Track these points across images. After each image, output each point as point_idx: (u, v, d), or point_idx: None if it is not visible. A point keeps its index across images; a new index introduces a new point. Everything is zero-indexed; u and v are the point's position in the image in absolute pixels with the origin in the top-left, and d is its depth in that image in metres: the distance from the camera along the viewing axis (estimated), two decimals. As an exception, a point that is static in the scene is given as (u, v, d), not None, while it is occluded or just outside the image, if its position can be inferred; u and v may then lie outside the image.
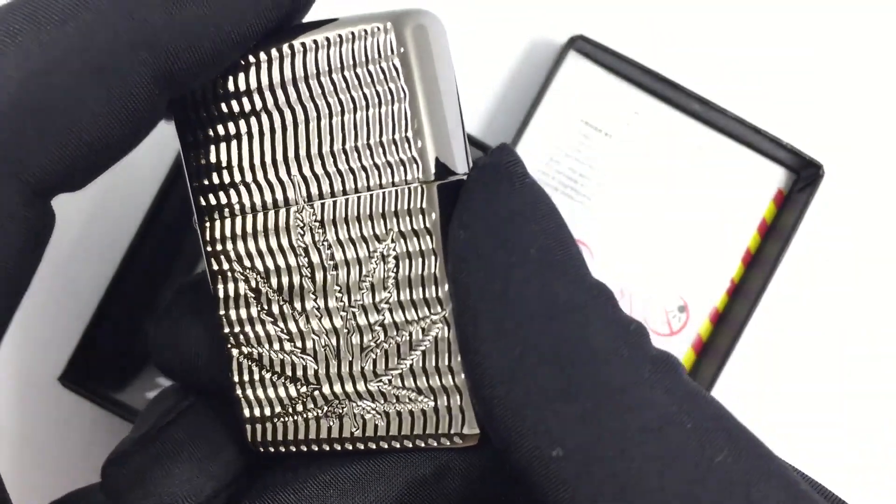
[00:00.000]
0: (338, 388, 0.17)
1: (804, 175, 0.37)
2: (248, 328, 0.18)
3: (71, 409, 0.38)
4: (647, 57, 0.36)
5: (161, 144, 0.37)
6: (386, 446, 0.17)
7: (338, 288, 0.17)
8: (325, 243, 0.17)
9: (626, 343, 0.14)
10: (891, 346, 0.40)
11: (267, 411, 0.18)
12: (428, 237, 0.16)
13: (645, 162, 0.37)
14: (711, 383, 0.34)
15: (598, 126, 0.37)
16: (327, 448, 0.18)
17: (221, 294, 0.18)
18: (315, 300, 0.17)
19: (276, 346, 0.18)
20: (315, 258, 0.17)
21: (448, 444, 0.16)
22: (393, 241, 0.16)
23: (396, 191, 0.16)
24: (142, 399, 0.36)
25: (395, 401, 0.17)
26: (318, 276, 0.17)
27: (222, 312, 0.18)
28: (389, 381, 0.17)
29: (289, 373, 0.18)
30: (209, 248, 0.18)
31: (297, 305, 0.17)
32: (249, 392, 0.18)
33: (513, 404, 0.14)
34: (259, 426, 0.18)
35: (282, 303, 0.17)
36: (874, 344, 0.40)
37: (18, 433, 0.39)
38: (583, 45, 0.37)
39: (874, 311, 0.40)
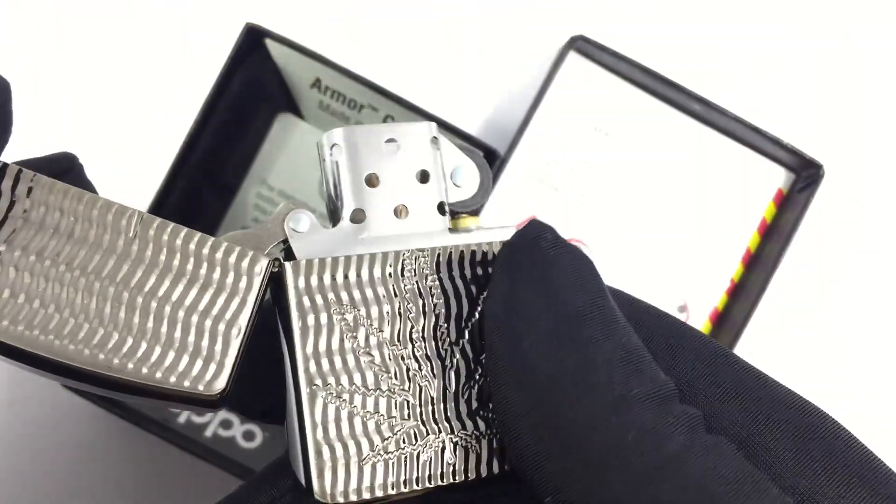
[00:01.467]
0: (436, 428, 0.18)
1: (804, 175, 0.37)
2: (336, 364, 0.17)
3: (71, 410, 0.38)
4: (647, 57, 0.36)
5: (161, 146, 0.37)
6: (473, 477, 0.18)
7: (446, 326, 0.18)
8: (434, 284, 0.18)
9: (615, 411, 0.15)
10: (891, 346, 0.40)
11: (350, 454, 0.17)
12: None
13: (645, 162, 0.37)
14: (711, 383, 0.34)
15: (598, 126, 0.37)
16: (408, 489, 0.17)
17: (304, 327, 0.17)
18: (421, 340, 0.18)
19: (371, 381, 0.18)
20: (421, 300, 0.18)
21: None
22: None
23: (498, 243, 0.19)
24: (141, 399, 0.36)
25: (495, 431, 0.18)
26: (425, 317, 0.18)
27: (310, 353, 0.17)
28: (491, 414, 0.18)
29: (383, 410, 0.17)
30: (299, 294, 0.17)
31: (402, 346, 0.18)
32: (329, 434, 0.17)
33: (517, 456, 0.16)
34: (333, 474, 0.17)
35: (385, 342, 0.18)
36: (875, 344, 0.40)
37: (18, 433, 0.39)
38: (583, 45, 0.37)
39: (874, 310, 0.40)
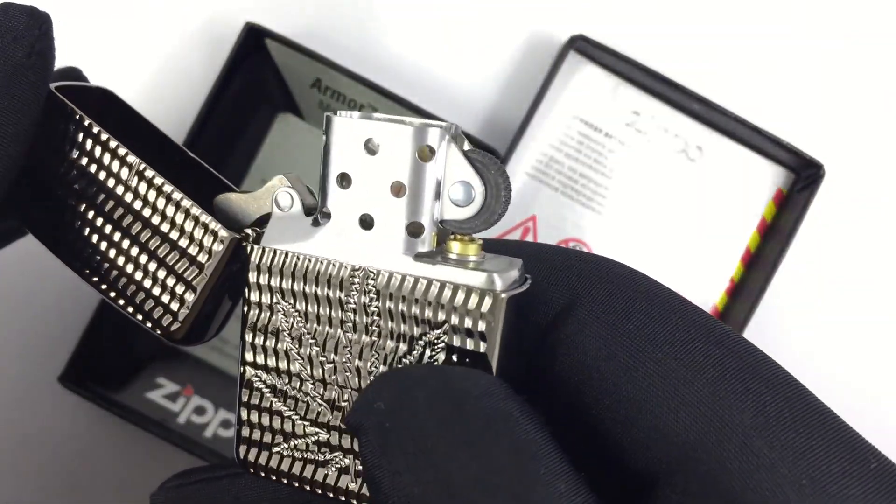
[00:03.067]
0: (346, 443, 0.18)
1: (804, 175, 0.37)
2: (274, 360, 0.18)
3: (71, 409, 0.38)
4: (647, 57, 0.36)
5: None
6: None
7: (375, 354, 0.17)
8: (376, 310, 0.17)
9: None
10: (891, 346, 0.40)
11: (266, 439, 0.18)
12: (482, 342, 0.16)
13: (645, 162, 0.37)
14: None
15: (597, 126, 0.37)
16: (309, 489, 0.18)
17: (255, 321, 0.18)
18: (349, 356, 0.18)
19: (298, 384, 0.18)
20: (361, 319, 0.17)
21: None
22: (446, 333, 0.17)
23: (466, 288, 0.16)
24: (142, 399, 0.36)
25: None
26: (360, 336, 0.17)
27: (250, 338, 0.18)
28: None
29: (302, 413, 0.18)
30: (256, 277, 0.18)
31: (331, 356, 0.18)
32: (254, 416, 0.18)
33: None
34: (253, 449, 0.19)
35: (315, 348, 0.18)
36: (875, 344, 0.40)
37: (18, 433, 0.39)
38: (583, 45, 0.37)
39: (874, 311, 0.40)
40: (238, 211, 0.19)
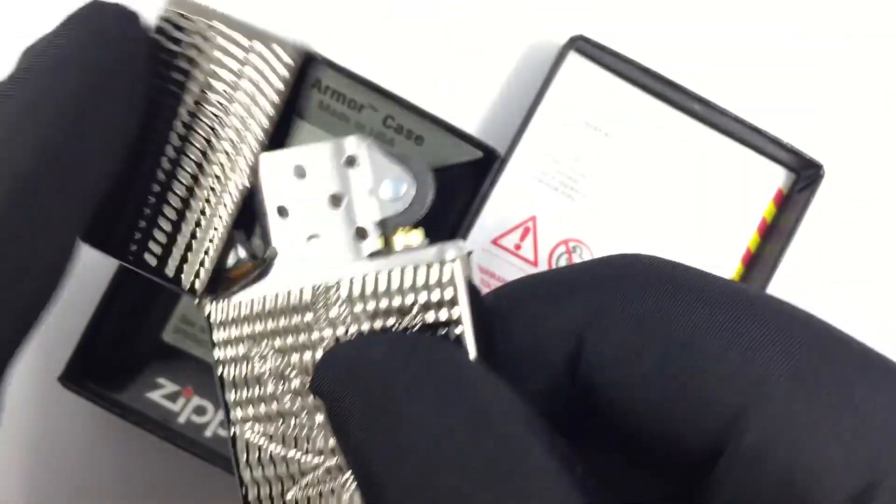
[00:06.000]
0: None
1: (804, 175, 0.37)
2: (263, 406, 0.18)
3: (71, 409, 0.38)
4: (647, 57, 0.36)
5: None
6: None
7: None
8: (348, 317, 0.17)
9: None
10: (892, 346, 0.40)
11: (276, 490, 0.18)
12: (453, 307, 0.17)
13: (645, 162, 0.37)
14: (711, 383, 0.34)
15: (598, 126, 0.37)
16: None
17: (234, 377, 0.18)
18: None
19: (291, 420, 0.18)
20: (335, 332, 0.17)
21: None
22: (418, 314, 0.17)
23: (424, 266, 0.17)
24: (142, 399, 0.36)
25: None
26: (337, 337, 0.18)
27: (233, 396, 0.18)
28: None
29: (304, 447, 0.18)
30: (221, 335, 0.18)
31: (307, 370, 0.18)
32: (257, 472, 0.18)
33: None
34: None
35: (299, 378, 0.18)
36: (874, 344, 0.40)
37: (18, 433, 0.39)
38: (583, 45, 0.37)
39: (875, 311, 0.40)
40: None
